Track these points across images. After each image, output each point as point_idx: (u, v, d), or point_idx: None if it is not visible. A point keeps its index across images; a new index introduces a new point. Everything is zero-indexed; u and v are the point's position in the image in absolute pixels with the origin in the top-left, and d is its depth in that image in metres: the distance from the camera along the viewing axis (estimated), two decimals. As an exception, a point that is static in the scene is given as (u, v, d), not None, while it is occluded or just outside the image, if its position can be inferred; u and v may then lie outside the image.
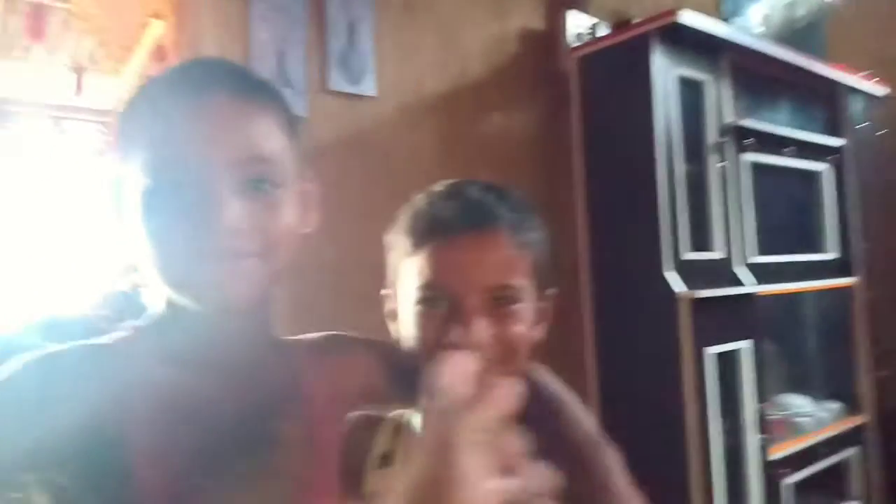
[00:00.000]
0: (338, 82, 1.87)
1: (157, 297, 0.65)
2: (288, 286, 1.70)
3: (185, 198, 0.56)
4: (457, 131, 2.13)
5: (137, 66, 2.22)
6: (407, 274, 0.71)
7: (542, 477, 0.33)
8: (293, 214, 0.63)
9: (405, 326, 0.72)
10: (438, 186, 0.74)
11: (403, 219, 0.74)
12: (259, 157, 0.59)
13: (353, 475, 0.73)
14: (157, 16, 1.90)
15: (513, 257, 0.70)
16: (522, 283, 0.70)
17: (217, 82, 0.59)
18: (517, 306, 0.69)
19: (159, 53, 1.91)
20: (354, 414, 0.76)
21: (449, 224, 0.69)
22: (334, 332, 0.78)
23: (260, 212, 0.58)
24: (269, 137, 0.61)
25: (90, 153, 3.92)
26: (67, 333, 0.76)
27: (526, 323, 0.70)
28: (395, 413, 0.79)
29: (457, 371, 0.35)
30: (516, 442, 0.32)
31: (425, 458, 0.31)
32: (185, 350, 0.63)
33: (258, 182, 0.59)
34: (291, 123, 0.65)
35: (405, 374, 0.75)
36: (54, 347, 0.59)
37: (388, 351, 0.77)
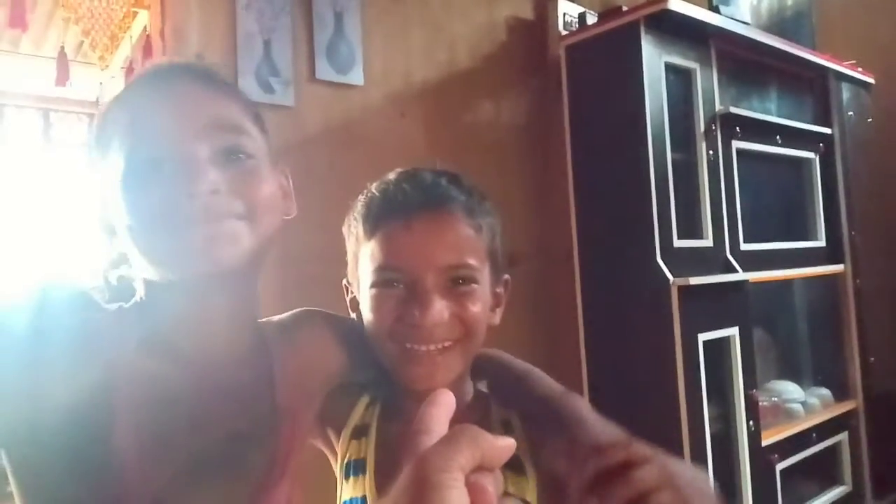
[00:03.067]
0: (325, 72, 1.85)
1: (138, 282, 0.65)
2: (277, 276, 1.71)
3: (163, 171, 0.58)
4: (445, 120, 2.12)
5: (123, 57, 2.20)
6: (364, 258, 0.71)
7: None
8: (272, 187, 0.64)
9: (364, 311, 0.72)
10: (391, 174, 0.74)
11: (358, 206, 0.75)
12: (228, 125, 0.61)
13: (330, 435, 0.76)
14: (142, 5, 1.88)
15: (468, 238, 0.70)
16: (478, 264, 0.70)
17: (186, 74, 0.63)
18: (474, 286, 0.69)
19: (146, 43, 1.89)
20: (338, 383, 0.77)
21: (404, 206, 0.69)
22: (306, 309, 0.78)
23: (237, 177, 0.60)
24: (235, 112, 0.63)
25: (78, 143, 3.90)
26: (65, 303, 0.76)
27: (483, 304, 0.70)
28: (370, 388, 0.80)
29: (440, 409, 0.35)
30: (493, 483, 0.32)
31: (408, 499, 0.30)
32: (164, 330, 0.63)
33: (231, 151, 0.61)
34: (259, 119, 0.67)
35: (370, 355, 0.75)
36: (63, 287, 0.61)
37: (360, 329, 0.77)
